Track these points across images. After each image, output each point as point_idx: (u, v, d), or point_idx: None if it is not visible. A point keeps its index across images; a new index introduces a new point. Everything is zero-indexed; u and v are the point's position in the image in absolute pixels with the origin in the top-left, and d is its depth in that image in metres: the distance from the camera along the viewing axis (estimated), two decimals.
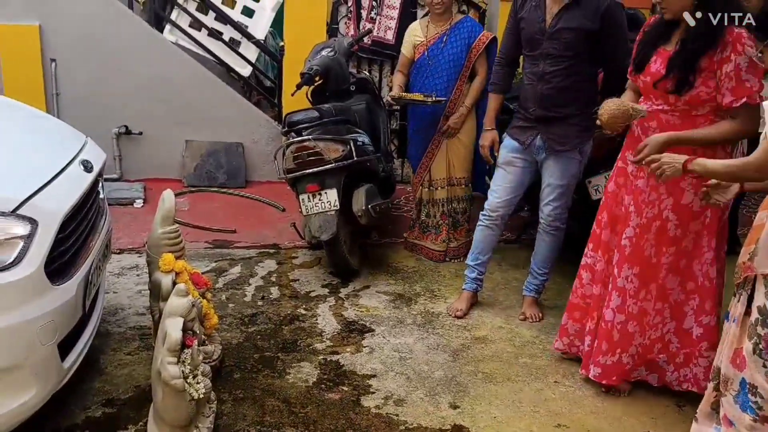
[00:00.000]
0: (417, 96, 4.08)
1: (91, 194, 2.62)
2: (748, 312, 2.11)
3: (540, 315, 3.67)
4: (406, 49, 4.33)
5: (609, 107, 2.70)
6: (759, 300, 2.06)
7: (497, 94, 3.65)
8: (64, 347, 2.31)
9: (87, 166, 2.62)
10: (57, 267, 2.23)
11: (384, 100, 4.65)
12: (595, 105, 3.46)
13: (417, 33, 4.26)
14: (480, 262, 3.68)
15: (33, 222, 2.11)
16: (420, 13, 5.64)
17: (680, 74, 2.59)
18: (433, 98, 4.03)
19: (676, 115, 2.67)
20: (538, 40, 3.29)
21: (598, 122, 2.84)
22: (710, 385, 2.31)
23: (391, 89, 5.74)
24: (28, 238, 2.09)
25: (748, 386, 2.07)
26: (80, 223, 2.45)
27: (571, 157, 3.39)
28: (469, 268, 3.70)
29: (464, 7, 5.61)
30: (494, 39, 4.22)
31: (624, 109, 2.68)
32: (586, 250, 3.12)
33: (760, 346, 2.03)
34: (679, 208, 2.72)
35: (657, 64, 2.67)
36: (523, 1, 3.39)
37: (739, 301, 2.16)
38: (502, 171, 3.53)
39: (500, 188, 3.53)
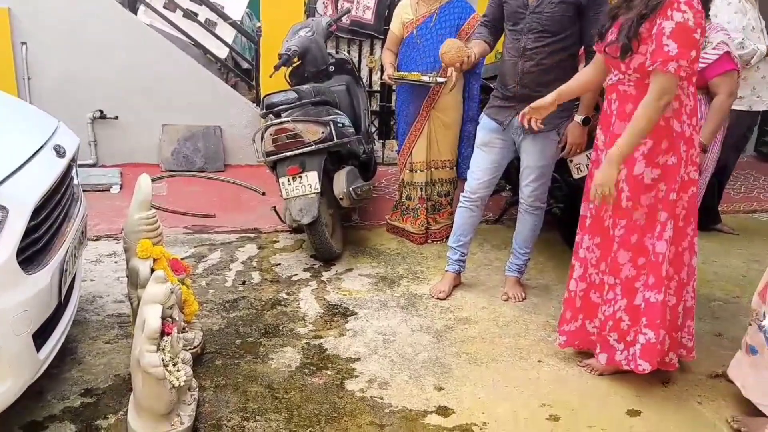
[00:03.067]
0: (416, 76, 3.99)
1: (64, 180, 2.55)
2: None
3: (523, 295, 3.66)
4: (395, 27, 4.26)
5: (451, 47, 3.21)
6: None
7: (478, 40, 3.48)
8: (40, 337, 2.25)
9: (59, 151, 2.55)
10: (30, 255, 2.17)
11: (364, 81, 4.59)
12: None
13: (407, 11, 4.20)
14: (462, 244, 3.66)
15: (3, 209, 2.04)
16: None
17: (624, 40, 2.55)
18: (435, 78, 3.94)
19: (631, 85, 2.63)
20: (520, 14, 3.24)
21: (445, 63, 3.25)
22: None
23: (371, 70, 5.74)
24: None
25: None
26: (53, 209, 2.38)
27: (549, 138, 3.37)
28: (450, 249, 3.68)
29: None
30: None
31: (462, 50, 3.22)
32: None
33: None
34: (631, 179, 2.68)
35: (613, 34, 2.64)
36: None
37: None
38: (480, 152, 3.50)
39: (479, 170, 3.50)
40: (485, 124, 3.47)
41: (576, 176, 3.83)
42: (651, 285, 2.72)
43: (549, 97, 2.95)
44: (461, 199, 3.59)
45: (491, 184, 3.54)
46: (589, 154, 3.72)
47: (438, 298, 3.60)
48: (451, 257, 3.68)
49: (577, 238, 3.01)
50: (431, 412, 2.65)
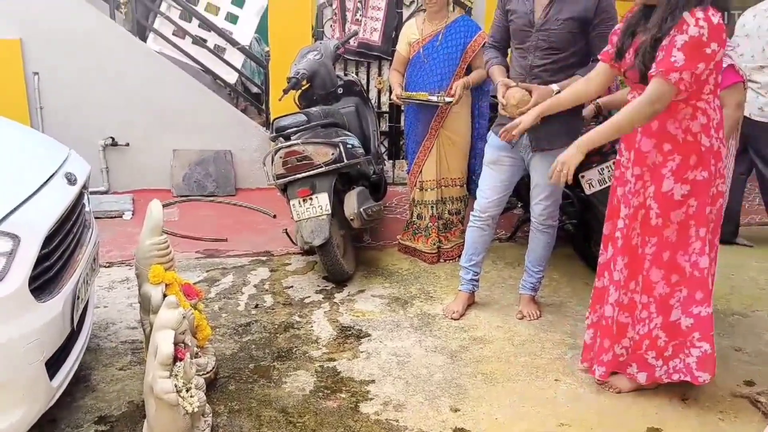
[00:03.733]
0: (424, 95, 4.01)
1: (75, 207, 2.56)
2: None
3: (538, 313, 3.62)
4: (401, 47, 4.28)
5: (516, 96, 3.13)
6: None
7: (499, 66, 3.45)
8: (53, 365, 2.24)
9: (71, 179, 2.56)
10: (42, 283, 2.17)
11: (372, 102, 4.61)
12: (583, 103, 3.42)
13: (413, 30, 4.22)
14: (474, 263, 3.63)
15: (14, 238, 2.05)
16: (406, 13, 5.62)
17: (640, 66, 2.54)
18: (443, 98, 3.96)
19: None
20: (527, 32, 3.23)
21: (502, 111, 3.20)
22: None
23: (379, 91, 5.76)
24: (10, 254, 2.02)
25: None
26: (65, 237, 2.39)
27: (559, 154, 3.32)
28: (463, 269, 3.65)
29: (450, 6, 5.56)
30: None
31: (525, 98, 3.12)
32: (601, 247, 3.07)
33: None
34: (660, 196, 2.65)
35: (630, 54, 2.62)
36: None
37: None
38: (488, 170, 3.47)
39: (488, 188, 3.47)
40: (493, 142, 3.45)
41: (588, 192, 3.81)
42: (700, 300, 2.68)
43: (530, 115, 3.01)
44: (471, 218, 3.57)
45: (501, 203, 3.51)
46: (601, 169, 3.71)
47: (452, 318, 3.56)
48: (464, 277, 3.66)
49: (601, 259, 2.95)
50: None
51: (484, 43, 4.07)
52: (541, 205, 3.44)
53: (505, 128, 3.11)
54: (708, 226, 2.65)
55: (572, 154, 2.69)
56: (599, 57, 2.84)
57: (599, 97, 3.53)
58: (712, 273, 2.71)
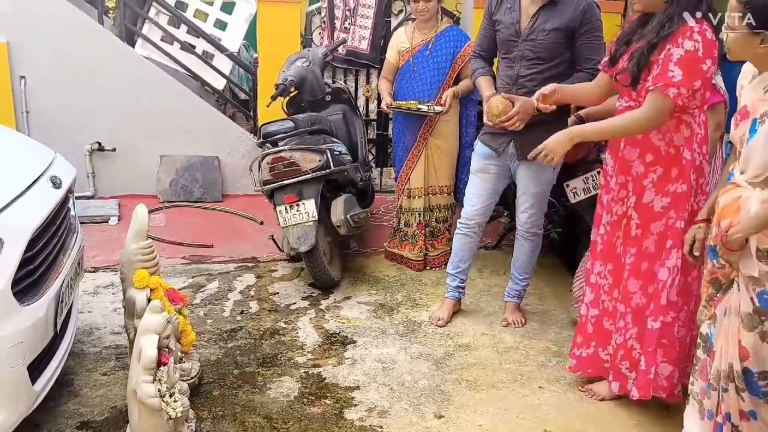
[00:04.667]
0: (413, 104, 4.03)
1: (60, 211, 2.55)
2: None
3: (523, 320, 3.63)
4: (390, 56, 4.30)
5: (498, 105, 3.12)
6: (748, 293, 2.04)
7: (486, 76, 3.45)
8: (35, 369, 2.23)
9: (56, 183, 2.56)
10: (25, 286, 2.16)
11: (360, 109, 4.62)
12: (569, 112, 3.43)
13: (402, 39, 4.24)
14: (460, 270, 3.63)
15: None
16: (394, 22, 5.64)
17: (633, 69, 2.56)
18: (432, 108, 3.98)
19: None
20: (513, 42, 3.24)
21: (489, 121, 3.17)
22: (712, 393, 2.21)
23: (367, 99, 5.78)
24: None
25: (756, 375, 2.04)
26: (49, 240, 2.38)
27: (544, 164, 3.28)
28: (449, 276, 3.67)
29: (439, 15, 5.60)
30: None
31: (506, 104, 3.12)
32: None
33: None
34: (641, 207, 2.68)
35: (624, 59, 2.65)
36: (498, 2, 3.33)
37: (733, 294, 2.10)
38: (475, 178, 3.49)
39: (474, 196, 3.49)
40: (479, 151, 3.46)
41: (573, 200, 3.84)
42: (651, 311, 2.70)
43: (548, 88, 2.97)
44: (458, 225, 3.58)
45: (487, 210, 3.52)
46: (585, 178, 3.74)
47: (437, 325, 3.57)
48: (450, 284, 3.66)
49: (588, 264, 2.99)
50: None
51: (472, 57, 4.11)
52: (526, 213, 3.45)
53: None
54: (678, 240, 2.61)
55: (561, 141, 2.74)
56: (600, 68, 2.86)
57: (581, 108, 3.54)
58: (670, 285, 2.66)
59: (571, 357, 3.04)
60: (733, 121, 2.13)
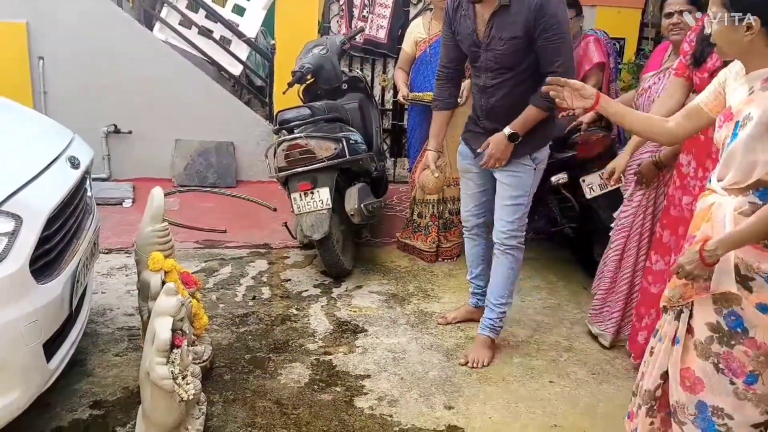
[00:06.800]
0: (430, 96, 3.98)
1: (78, 191, 2.56)
2: (689, 330, 2.00)
3: (486, 360, 3.12)
4: (407, 46, 4.28)
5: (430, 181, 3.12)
6: (708, 317, 1.94)
7: (442, 111, 3.24)
8: (50, 347, 2.24)
9: (74, 163, 2.57)
10: (42, 265, 2.17)
11: (376, 99, 4.61)
12: (552, 110, 3.00)
13: (419, 29, 4.22)
14: (474, 275, 3.44)
15: (17, 218, 2.06)
16: (412, 12, 5.62)
17: None
18: None
19: None
20: (475, 53, 2.99)
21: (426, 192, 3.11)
22: (642, 410, 2.14)
23: (383, 88, 5.76)
24: (12, 234, 2.03)
25: (710, 409, 1.95)
26: (67, 220, 2.39)
27: (522, 165, 3.01)
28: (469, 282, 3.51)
29: None
30: None
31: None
32: (650, 254, 3.05)
33: (721, 366, 1.92)
34: None
35: (713, 59, 2.55)
36: (454, 10, 3.03)
37: (677, 319, 2.03)
38: (463, 180, 3.30)
39: (465, 198, 3.30)
40: (462, 151, 3.25)
41: (588, 196, 3.82)
42: None
43: (622, 158, 2.97)
44: (463, 229, 3.43)
45: (481, 210, 3.26)
46: (602, 173, 3.72)
47: (438, 323, 3.48)
48: (470, 290, 3.52)
49: (657, 267, 2.96)
50: (441, 431, 2.62)
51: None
52: (502, 222, 3.09)
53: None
54: None
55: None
56: (673, 73, 2.74)
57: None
58: None
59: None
60: (717, 122, 2.02)
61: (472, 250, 3.40)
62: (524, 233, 3.14)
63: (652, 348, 2.14)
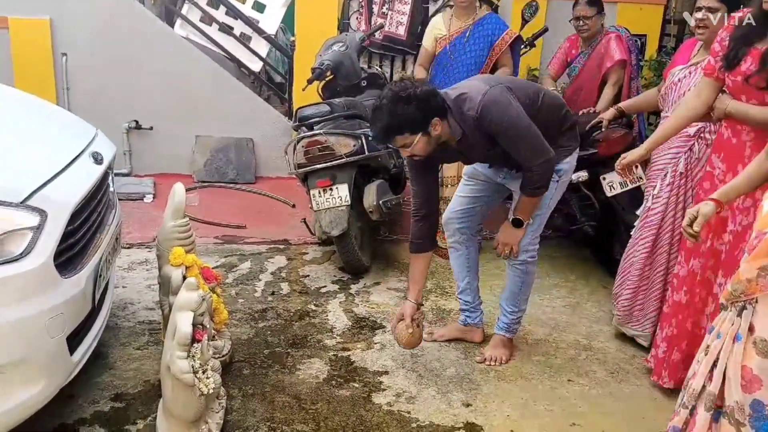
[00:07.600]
0: None
1: (101, 186, 2.59)
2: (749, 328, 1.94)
3: (505, 358, 3.11)
4: (427, 43, 4.28)
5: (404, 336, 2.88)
6: None
7: (419, 253, 2.95)
8: (73, 340, 2.27)
9: (97, 158, 2.60)
10: (66, 259, 2.20)
11: None
12: (567, 120, 2.96)
13: (439, 26, 4.21)
14: (460, 291, 3.25)
15: (42, 213, 2.08)
16: (432, 8, 5.60)
17: None
18: None
19: None
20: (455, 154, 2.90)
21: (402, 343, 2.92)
22: (707, 415, 2.04)
23: None
24: (37, 229, 2.06)
25: (767, 408, 1.89)
26: (90, 215, 2.42)
27: None
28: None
29: (478, 3, 5.55)
30: (519, 37, 4.19)
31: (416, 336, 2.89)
32: (679, 257, 2.95)
33: None
34: None
35: (748, 63, 2.49)
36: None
37: (740, 315, 1.96)
38: (463, 182, 3.13)
39: (457, 199, 3.12)
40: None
41: (608, 194, 3.80)
42: None
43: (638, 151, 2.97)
44: (445, 235, 3.24)
45: (465, 216, 3.09)
46: (617, 165, 3.68)
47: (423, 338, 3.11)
48: (459, 306, 3.33)
49: (683, 272, 2.87)
50: (459, 429, 2.63)
51: (512, 41, 4.07)
52: None
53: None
54: None
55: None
56: (704, 72, 2.70)
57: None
58: None
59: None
60: None
61: (456, 261, 3.21)
62: (537, 247, 3.01)
63: (708, 346, 2.09)
